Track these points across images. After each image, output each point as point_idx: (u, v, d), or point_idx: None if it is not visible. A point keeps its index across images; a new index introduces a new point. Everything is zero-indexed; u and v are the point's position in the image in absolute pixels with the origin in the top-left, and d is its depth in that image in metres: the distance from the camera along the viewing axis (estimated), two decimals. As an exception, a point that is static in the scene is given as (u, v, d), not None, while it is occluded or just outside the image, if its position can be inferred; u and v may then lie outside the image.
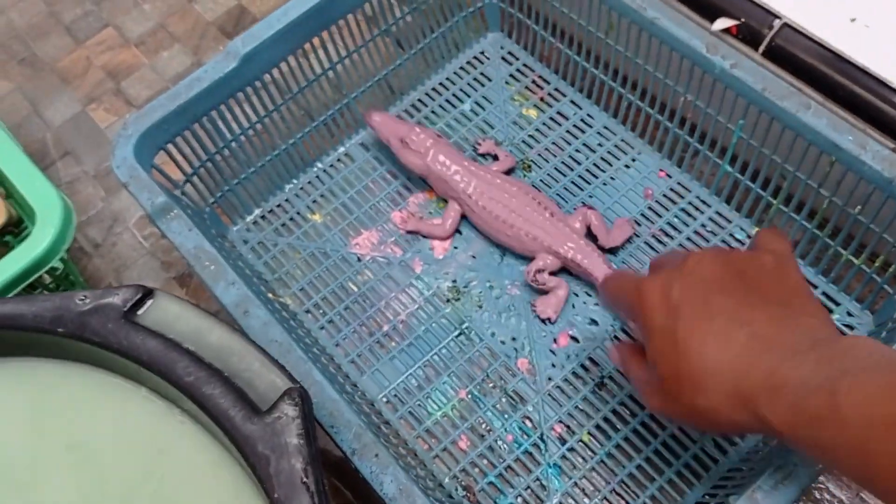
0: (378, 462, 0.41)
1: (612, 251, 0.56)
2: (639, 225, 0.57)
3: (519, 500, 0.49)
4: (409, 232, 0.58)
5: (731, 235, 0.56)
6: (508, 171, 0.59)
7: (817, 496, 0.49)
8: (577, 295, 0.55)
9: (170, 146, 0.53)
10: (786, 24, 0.49)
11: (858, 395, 0.28)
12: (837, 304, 0.52)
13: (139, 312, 0.41)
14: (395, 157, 0.59)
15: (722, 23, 0.51)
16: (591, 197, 0.58)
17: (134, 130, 0.51)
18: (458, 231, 0.58)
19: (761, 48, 0.50)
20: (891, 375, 0.28)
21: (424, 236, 0.58)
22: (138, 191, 0.49)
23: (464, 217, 0.58)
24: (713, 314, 0.35)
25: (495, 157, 0.60)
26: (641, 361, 0.40)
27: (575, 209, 0.57)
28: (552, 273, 0.54)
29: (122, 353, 0.39)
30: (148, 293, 0.41)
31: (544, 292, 0.55)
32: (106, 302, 0.40)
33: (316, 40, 0.57)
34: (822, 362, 0.31)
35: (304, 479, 0.36)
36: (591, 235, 0.55)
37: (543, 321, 0.54)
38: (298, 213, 0.61)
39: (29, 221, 0.59)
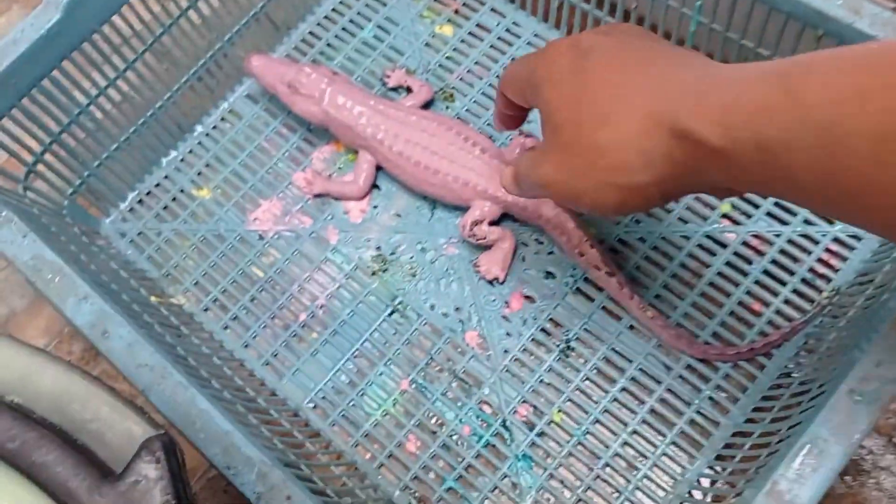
0: (291, 505, 0.32)
1: None
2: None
3: None
4: (316, 196, 0.49)
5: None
6: (426, 105, 0.49)
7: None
8: (525, 245, 0.46)
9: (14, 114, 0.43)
10: None
11: (817, 73, 0.23)
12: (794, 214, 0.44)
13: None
14: (286, 106, 0.49)
15: None
16: (529, 122, 0.49)
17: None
18: (375, 186, 0.49)
19: None
20: (850, 53, 0.23)
21: (336, 198, 0.48)
22: (-47, 195, 0.39)
23: (379, 168, 0.48)
24: (626, 54, 0.30)
25: (409, 90, 0.50)
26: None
27: (510, 140, 0.47)
28: (492, 223, 0.45)
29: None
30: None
31: (487, 247, 0.46)
32: None
33: (166, -26, 0.46)
34: (761, 63, 0.26)
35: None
36: None
37: (490, 282, 0.45)
38: (182, 191, 0.50)
39: None
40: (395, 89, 0.51)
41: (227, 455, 0.34)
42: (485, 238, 0.45)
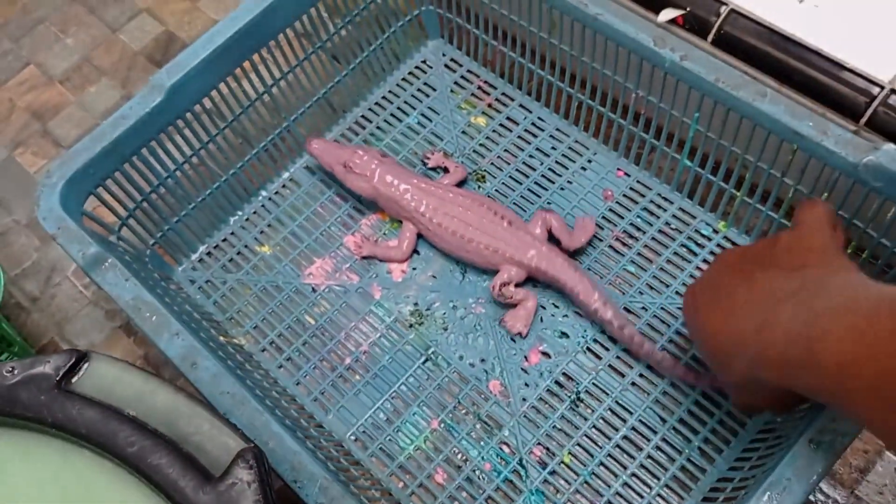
0: (348, 516, 0.38)
1: (578, 252, 0.54)
2: (601, 228, 0.55)
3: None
4: (364, 258, 0.56)
5: (697, 231, 0.54)
6: (461, 183, 0.57)
7: (811, 498, 0.47)
8: (543, 308, 0.53)
9: (100, 190, 0.50)
10: (733, 10, 0.47)
11: (829, 340, 0.30)
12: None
13: (74, 380, 0.37)
14: (341, 182, 0.56)
15: (667, 13, 0.49)
16: (549, 203, 0.56)
17: (58, 177, 0.48)
18: (415, 251, 0.56)
19: (710, 37, 0.48)
20: (854, 315, 0.30)
21: (381, 260, 0.55)
22: (67, 242, 0.46)
23: (420, 236, 0.55)
24: (720, 295, 0.38)
25: (446, 170, 0.57)
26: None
27: (533, 215, 0.55)
28: (518, 285, 0.52)
29: (57, 426, 0.36)
30: (82, 357, 0.38)
31: (512, 306, 0.52)
32: (36, 372, 0.37)
33: (248, 63, 0.54)
34: (800, 306, 0.32)
35: (267, 550, 0.33)
36: (553, 239, 0.53)
37: (513, 337, 0.52)
38: (246, 247, 0.57)
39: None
40: (433, 169, 0.58)
41: (295, 471, 0.40)
42: (511, 297, 0.52)
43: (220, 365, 0.43)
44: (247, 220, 0.58)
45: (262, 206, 0.59)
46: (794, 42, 0.46)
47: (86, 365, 0.38)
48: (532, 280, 0.53)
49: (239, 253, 0.57)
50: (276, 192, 0.59)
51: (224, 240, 0.58)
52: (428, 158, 0.58)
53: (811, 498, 0.47)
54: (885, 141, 0.42)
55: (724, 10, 0.47)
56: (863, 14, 0.46)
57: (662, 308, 0.52)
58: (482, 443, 0.49)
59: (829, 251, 0.36)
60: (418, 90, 0.62)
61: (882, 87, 0.44)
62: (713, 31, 0.47)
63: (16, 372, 0.37)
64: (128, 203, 0.52)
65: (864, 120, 0.44)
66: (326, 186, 0.59)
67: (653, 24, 0.47)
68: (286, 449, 0.40)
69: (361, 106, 0.62)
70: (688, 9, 0.48)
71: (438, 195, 0.53)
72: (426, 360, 0.52)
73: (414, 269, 0.55)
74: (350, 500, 0.39)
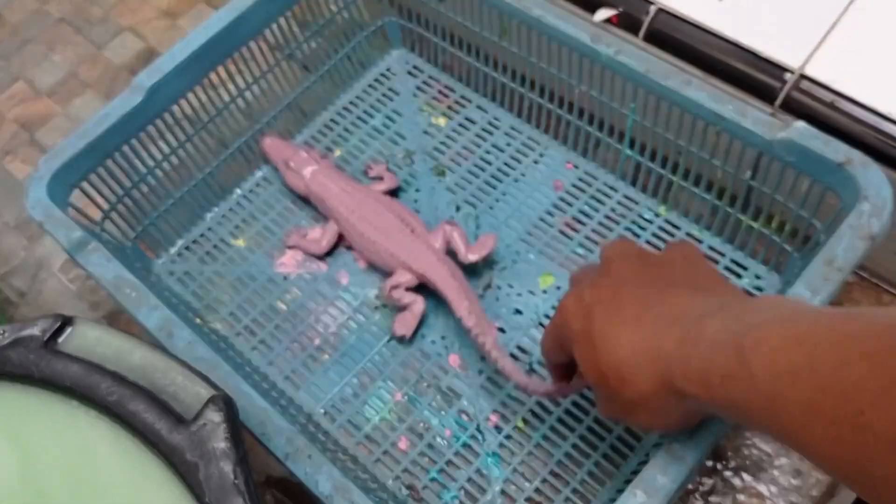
0: (311, 462, 0.42)
1: (473, 266, 0.56)
2: (551, 216, 0.59)
3: (462, 492, 0.50)
4: (289, 247, 0.60)
5: (640, 216, 0.58)
6: (392, 191, 0.60)
7: (745, 452, 0.50)
8: (500, 287, 0.57)
9: (84, 184, 0.54)
10: (661, 10, 0.52)
11: (763, 347, 0.28)
12: (745, 268, 0.55)
13: (60, 340, 0.41)
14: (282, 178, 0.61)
15: (602, 13, 0.54)
16: (504, 195, 0.60)
17: (45, 171, 0.52)
18: (335, 248, 0.59)
19: (641, 33, 0.52)
20: (793, 326, 0.28)
21: (304, 251, 0.59)
22: (54, 228, 0.50)
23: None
24: (622, 305, 0.35)
25: (381, 179, 0.61)
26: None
27: (437, 226, 0.57)
28: (409, 289, 0.55)
29: (43, 381, 0.40)
30: (67, 321, 0.41)
31: (401, 310, 0.55)
32: (25, 334, 0.41)
33: (222, 70, 0.59)
34: (729, 320, 0.31)
35: (235, 481, 0.36)
36: (452, 252, 0.56)
37: (399, 339, 0.55)
38: (222, 241, 0.61)
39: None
40: (374, 178, 0.62)
41: (262, 425, 0.43)
42: (399, 300, 0.55)
43: (193, 334, 0.46)
44: (223, 216, 0.62)
45: (238, 202, 0.63)
46: (715, 35, 0.51)
47: (70, 328, 0.41)
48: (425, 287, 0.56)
49: (215, 246, 0.61)
50: (251, 190, 0.63)
51: (202, 234, 0.62)
52: (370, 168, 0.62)
53: (745, 452, 0.51)
54: (797, 119, 0.46)
55: (652, 9, 0.52)
56: (774, 7, 0.51)
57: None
58: (442, 412, 0.53)
59: (717, 276, 0.37)
60: (383, 95, 0.66)
61: (792, 73, 0.49)
62: (643, 28, 0.52)
63: (6, 335, 0.41)
64: (110, 197, 0.56)
65: (778, 102, 0.49)
66: (297, 184, 0.63)
67: (589, 24, 0.52)
68: (255, 406, 0.44)
69: (330, 110, 0.66)
70: (620, 9, 0.53)
71: (358, 199, 0.57)
72: (390, 340, 0.56)
73: (378, 256, 0.59)
74: (313, 449, 0.42)
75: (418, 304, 0.55)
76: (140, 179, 0.57)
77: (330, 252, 0.59)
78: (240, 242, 0.61)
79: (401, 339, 0.55)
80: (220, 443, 0.37)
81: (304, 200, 0.62)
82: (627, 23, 0.53)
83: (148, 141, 0.56)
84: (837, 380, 0.25)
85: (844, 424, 0.24)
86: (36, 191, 0.51)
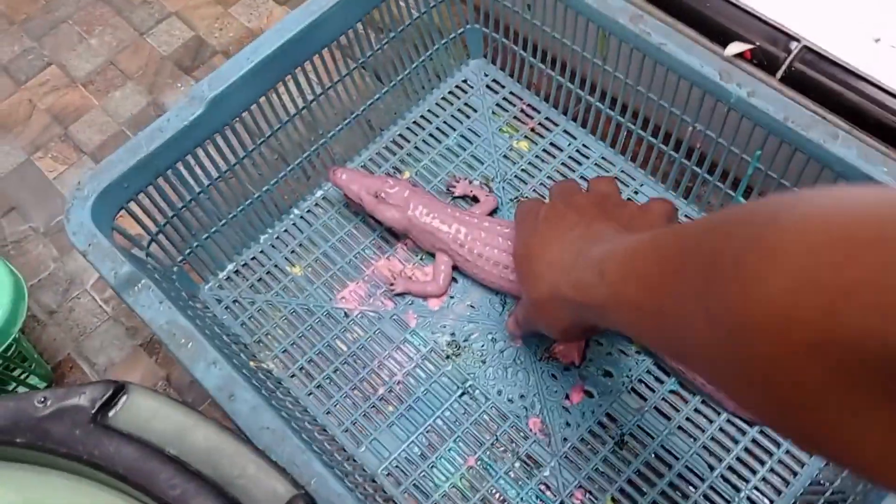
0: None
1: None
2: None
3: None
4: (397, 295, 0.53)
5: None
6: (492, 213, 0.54)
7: None
8: (587, 345, 0.51)
9: (131, 204, 0.47)
10: (805, 47, 0.45)
11: (611, 262, 0.33)
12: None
13: (111, 413, 0.35)
14: (368, 214, 0.53)
15: (735, 47, 0.47)
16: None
17: (90, 190, 0.45)
18: (453, 280, 0.53)
19: (779, 73, 0.46)
20: (633, 244, 0.32)
21: (416, 296, 0.53)
22: (99, 260, 0.43)
23: (455, 268, 0.53)
24: (561, 226, 0.41)
25: (475, 199, 0.55)
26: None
27: None
28: None
29: (93, 464, 0.33)
30: (120, 389, 0.35)
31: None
32: (70, 403, 0.35)
33: (289, 78, 0.52)
34: (609, 244, 0.35)
35: None
36: None
37: (554, 374, 0.50)
38: (276, 266, 0.55)
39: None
40: (461, 198, 0.56)
41: (339, 516, 0.37)
42: None
43: (259, 397, 0.40)
44: (277, 238, 0.56)
45: (294, 224, 0.56)
46: (868, 82, 0.44)
47: (123, 398, 0.35)
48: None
49: (268, 273, 0.55)
50: (308, 211, 0.57)
51: (253, 258, 0.55)
52: (454, 187, 0.56)
53: None
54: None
55: (795, 46, 0.45)
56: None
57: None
58: (521, 483, 0.47)
59: (657, 218, 0.42)
60: (458, 110, 0.59)
61: (959, 135, 0.42)
62: (783, 67, 0.45)
63: (48, 403, 0.35)
64: (158, 218, 0.50)
65: (939, 166, 0.42)
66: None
67: (719, 58, 0.45)
68: (329, 490, 0.38)
69: (399, 125, 0.59)
70: (757, 43, 0.46)
71: (474, 224, 0.51)
72: (463, 394, 0.50)
73: (452, 297, 0.53)
74: (397, 550, 0.36)
75: None
76: (192, 198, 0.51)
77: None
78: (296, 270, 0.55)
79: (559, 373, 0.50)
80: (302, 561, 0.31)
81: (371, 226, 0.55)
82: (764, 60, 0.46)
83: (203, 156, 0.50)
84: (645, 281, 0.29)
85: (649, 311, 0.29)
86: (78, 213, 0.44)
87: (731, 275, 0.22)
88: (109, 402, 0.35)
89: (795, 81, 0.45)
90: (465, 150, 0.58)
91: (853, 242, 0.19)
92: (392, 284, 0.53)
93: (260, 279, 0.54)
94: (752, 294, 0.21)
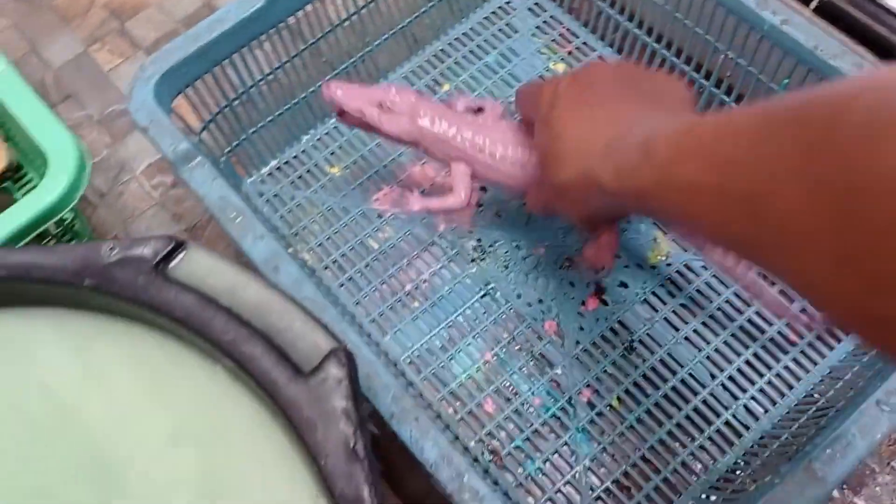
0: (418, 426, 0.39)
1: None
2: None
3: (546, 464, 0.48)
4: (418, 211, 0.51)
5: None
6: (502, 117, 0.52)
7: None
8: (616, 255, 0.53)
9: (188, 91, 0.50)
10: (840, -19, 0.47)
11: (661, 140, 0.31)
12: None
13: (171, 266, 0.38)
14: (372, 130, 0.48)
15: (772, -22, 0.49)
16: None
17: (153, 72, 0.48)
18: (482, 189, 0.56)
19: (812, 4, 0.47)
20: (688, 124, 0.30)
21: (438, 213, 0.53)
22: (159, 136, 0.46)
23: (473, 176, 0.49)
24: (585, 101, 0.38)
25: (480, 109, 0.51)
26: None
27: None
28: None
29: (154, 308, 0.37)
30: (180, 245, 0.38)
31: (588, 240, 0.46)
32: (135, 253, 0.38)
33: (340, -16, 0.54)
34: (650, 129, 0.33)
35: (354, 446, 0.34)
36: None
37: (572, 281, 0.52)
38: (316, 166, 0.58)
39: (30, 167, 0.56)
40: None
41: (369, 379, 0.41)
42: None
43: (301, 271, 0.43)
44: (319, 139, 0.59)
45: (335, 127, 0.59)
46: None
47: (182, 253, 0.38)
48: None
49: (309, 171, 0.57)
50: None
51: (295, 157, 0.58)
52: (455, 104, 0.51)
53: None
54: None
55: (829, -21, 0.47)
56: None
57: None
58: (533, 379, 0.50)
59: (687, 98, 0.40)
60: (500, 30, 0.62)
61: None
62: (816, -1, 0.47)
63: (115, 251, 0.38)
64: (212, 108, 0.52)
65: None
66: (400, 116, 0.59)
67: (755, -13, 0.47)
68: (362, 358, 0.41)
69: (442, 39, 0.62)
70: (793, -25, 0.48)
71: (490, 127, 0.47)
72: (484, 295, 0.53)
73: (480, 206, 0.56)
74: (420, 411, 0.40)
75: (614, 228, 0.44)
76: (244, 91, 0.53)
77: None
78: (335, 171, 0.57)
79: (576, 280, 0.50)
80: (341, 401, 0.34)
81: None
82: (799, -8, 0.48)
83: (259, 51, 0.52)
84: (711, 160, 0.28)
85: (714, 193, 0.27)
86: (141, 91, 0.47)
87: (859, 136, 0.21)
88: (170, 256, 0.38)
89: (827, 13, 0.47)
90: (503, 67, 0.60)
91: None
92: (409, 203, 0.48)
93: (300, 176, 0.57)
94: (886, 153, 0.20)
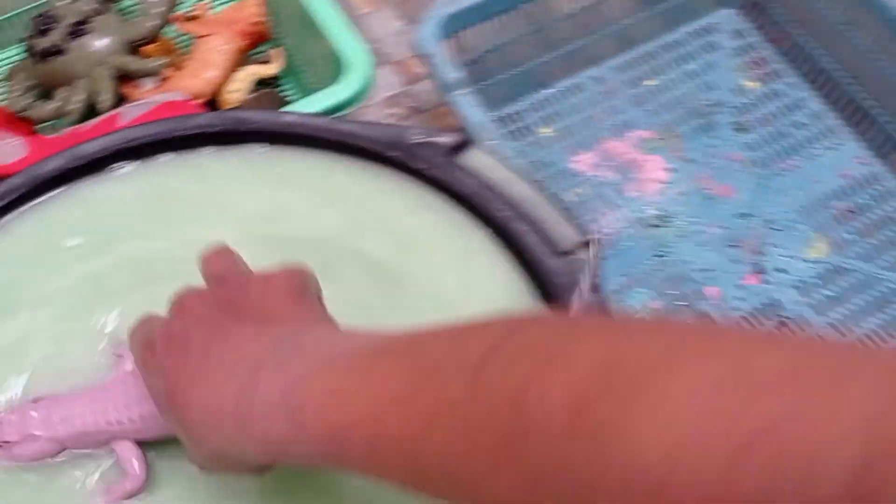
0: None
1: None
2: (833, 199, 0.63)
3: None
4: None
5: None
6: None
7: None
8: (774, 245, 0.61)
9: (464, 32, 0.60)
10: None
11: (310, 410, 0.25)
12: None
13: (460, 156, 0.47)
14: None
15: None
16: (793, 167, 0.64)
17: (442, 13, 0.58)
18: (672, 170, 0.64)
19: None
20: (331, 375, 0.25)
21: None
22: (440, 62, 0.56)
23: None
24: (190, 351, 0.29)
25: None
26: None
27: None
28: None
29: (445, 184, 0.46)
30: (468, 142, 0.48)
31: None
32: (435, 140, 0.47)
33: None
34: (278, 369, 0.26)
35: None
36: None
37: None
38: (532, 124, 0.67)
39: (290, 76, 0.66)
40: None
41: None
42: None
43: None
44: (538, 102, 0.68)
45: (553, 95, 0.68)
46: None
47: (470, 148, 0.48)
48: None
49: (526, 127, 0.67)
50: (566, 89, 0.69)
51: (516, 112, 0.68)
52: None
53: None
54: None
55: None
56: None
57: None
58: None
59: (306, 299, 0.30)
60: (703, 45, 0.70)
61: None
62: None
63: (419, 135, 0.47)
64: (480, 49, 0.63)
65: None
66: (604, 97, 0.68)
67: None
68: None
69: (651, 44, 0.71)
70: None
71: (117, 391, 0.35)
72: (659, 255, 0.61)
73: (668, 183, 0.64)
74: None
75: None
76: (504, 44, 0.63)
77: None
78: (547, 131, 0.67)
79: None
80: (588, 279, 0.43)
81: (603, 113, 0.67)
82: None
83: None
84: (373, 430, 0.23)
85: (395, 459, 0.23)
86: (430, 26, 0.57)
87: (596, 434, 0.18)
88: (460, 148, 0.47)
89: None
90: (700, 76, 0.69)
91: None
92: None
93: (518, 129, 0.67)
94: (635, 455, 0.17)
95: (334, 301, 0.32)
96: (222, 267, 0.32)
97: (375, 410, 0.23)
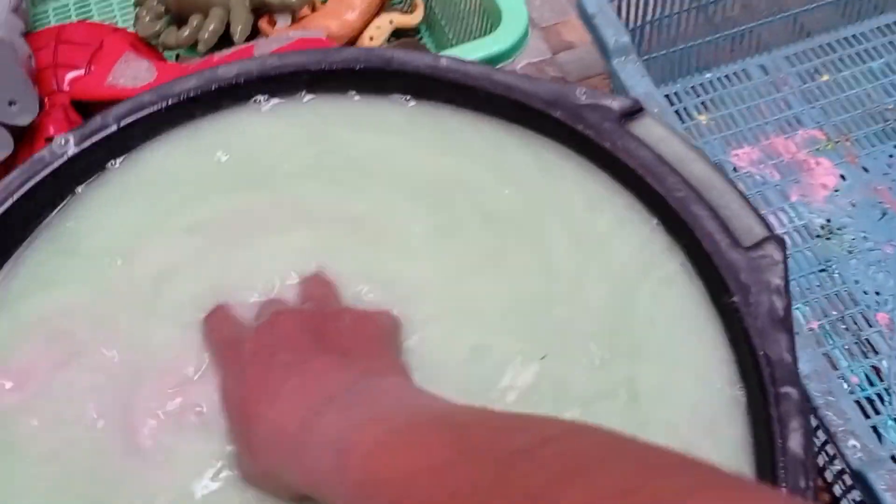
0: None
1: None
2: None
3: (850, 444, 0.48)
4: None
5: None
6: None
7: None
8: (954, 272, 0.53)
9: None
10: None
11: (356, 454, 0.25)
12: None
13: (631, 123, 0.41)
14: None
15: None
16: None
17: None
18: (841, 177, 0.57)
19: None
20: (385, 429, 0.25)
21: None
22: (604, 25, 0.50)
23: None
24: (272, 370, 0.30)
25: None
26: None
27: None
28: None
29: (613, 154, 0.40)
30: (640, 109, 0.42)
31: None
32: (603, 103, 0.41)
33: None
34: (343, 410, 0.27)
35: (783, 318, 0.36)
36: None
37: None
38: (685, 109, 0.60)
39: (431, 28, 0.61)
40: None
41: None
42: None
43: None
44: (693, 87, 0.61)
45: (710, 82, 0.62)
46: None
47: (641, 117, 0.41)
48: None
49: (677, 112, 0.60)
50: (726, 76, 0.62)
51: (675, 93, 0.61)
52: None
53: None
54: None
55: None
56: None
57: None
58: (855, 358, 0.51)
59: (391, 347, 0.32)
60: (891, 42, 0.62)
61: None
62: None
63: (585, 96, 0.41)
64: (638, 20, 0.57)
65: None
66: (774, 89, 0.61)
67: None
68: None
69: (829, 35, 0.63)
70: None
71: None
72: (822, 270, 0.54)
73: (836, 191, 0.57)
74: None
75: None
76: (666, 16, 0.57)
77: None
78: (702, 118, 0.60)
79: None
80: (777, 279, 0.36)
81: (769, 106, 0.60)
82: None
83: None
84: (400, 490, 0.23)
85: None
86: (594, -11, 0.51)
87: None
88: (631, 114, 0.41)
89: None
90: (886, 76, 0.61)
91: None
92: None
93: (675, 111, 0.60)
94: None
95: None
96: (320, 293, 0.33)
97: (408, 473, 0.23)
